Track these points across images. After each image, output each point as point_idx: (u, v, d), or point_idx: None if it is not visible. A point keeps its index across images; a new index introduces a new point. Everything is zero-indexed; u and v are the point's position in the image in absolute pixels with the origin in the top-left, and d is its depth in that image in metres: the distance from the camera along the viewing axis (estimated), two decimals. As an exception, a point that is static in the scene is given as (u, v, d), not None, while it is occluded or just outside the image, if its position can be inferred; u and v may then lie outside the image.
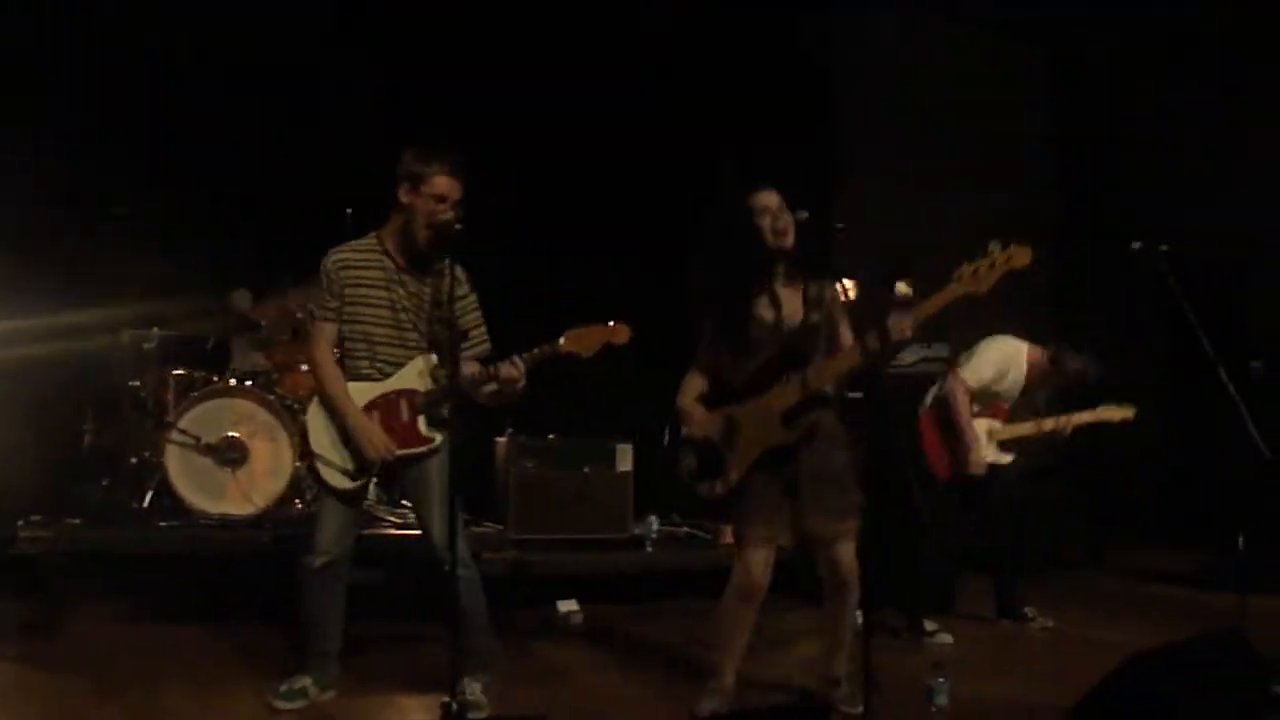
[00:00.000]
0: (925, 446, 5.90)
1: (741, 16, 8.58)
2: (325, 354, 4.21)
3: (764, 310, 4.13)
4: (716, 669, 4.23)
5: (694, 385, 4.27)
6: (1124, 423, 5.92)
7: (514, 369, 4.05)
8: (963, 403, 5.81)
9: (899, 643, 5.56)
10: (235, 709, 4.11)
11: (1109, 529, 9.01)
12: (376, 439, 4.11)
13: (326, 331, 4.20)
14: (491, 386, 4.09)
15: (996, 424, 5.96)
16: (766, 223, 4.07)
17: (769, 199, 4.10)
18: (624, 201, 7.94)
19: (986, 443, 5.90)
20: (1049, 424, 5.91)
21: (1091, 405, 5.94)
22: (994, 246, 3.83)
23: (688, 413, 4.21)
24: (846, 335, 4.17)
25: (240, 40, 7.17)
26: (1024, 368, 5.95)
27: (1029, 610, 6.03)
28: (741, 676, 4.28)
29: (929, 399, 6.01)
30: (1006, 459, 5.96)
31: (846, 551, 4.11)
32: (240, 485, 5.68)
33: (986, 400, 5.95)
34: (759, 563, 4.09)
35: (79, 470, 6.48)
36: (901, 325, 3.87)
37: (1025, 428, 5.96)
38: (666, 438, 4.27)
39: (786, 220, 4.06)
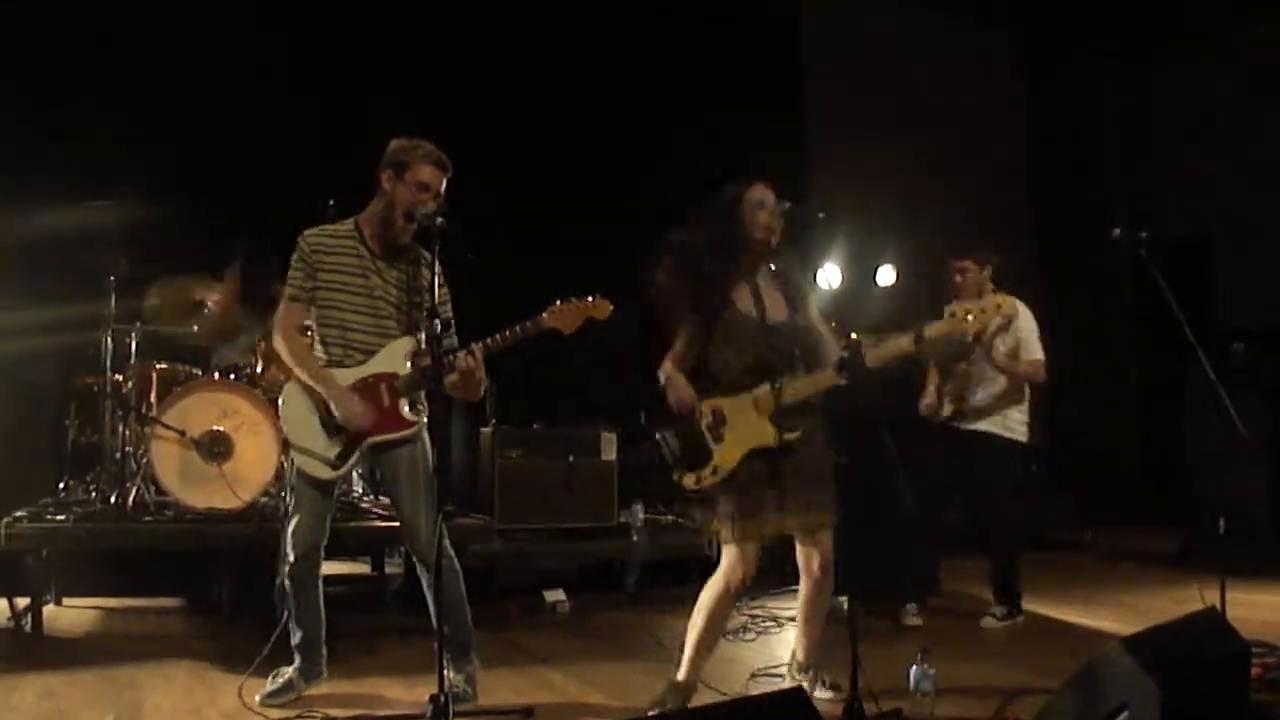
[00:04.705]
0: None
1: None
2: (291, 329, 4.15)
3: (746, 303, 4.10)
4: (687, 664, 4.14)
5: (670, 369, 4.15)
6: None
7: (469, 359, 4.01)
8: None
9: (880, 629, 5.57)
10: (222, 703, 4.12)
11: (1091, 511, 9.10)
12: (357, 408, 4.03)
13: (294, 311, 4.14)
14: (452, 377, 4.02)
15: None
16: (762, 217, 4.06)
17: (766, 194, 4.09)
18: (602, 187, 7.97)
19: None
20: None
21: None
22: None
23: (671, 379, 4.08)
24: (826, 347, 4.14)
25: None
26: None
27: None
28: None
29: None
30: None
31: (826, 542, 4.12)
32: (226, 478, 5.67)
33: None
34: (749, 556, 4.02)
35: (63, 466, 6.45)
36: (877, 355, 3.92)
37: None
38: (644, 418, 4.18)
39: (779, 218, 4.07)
